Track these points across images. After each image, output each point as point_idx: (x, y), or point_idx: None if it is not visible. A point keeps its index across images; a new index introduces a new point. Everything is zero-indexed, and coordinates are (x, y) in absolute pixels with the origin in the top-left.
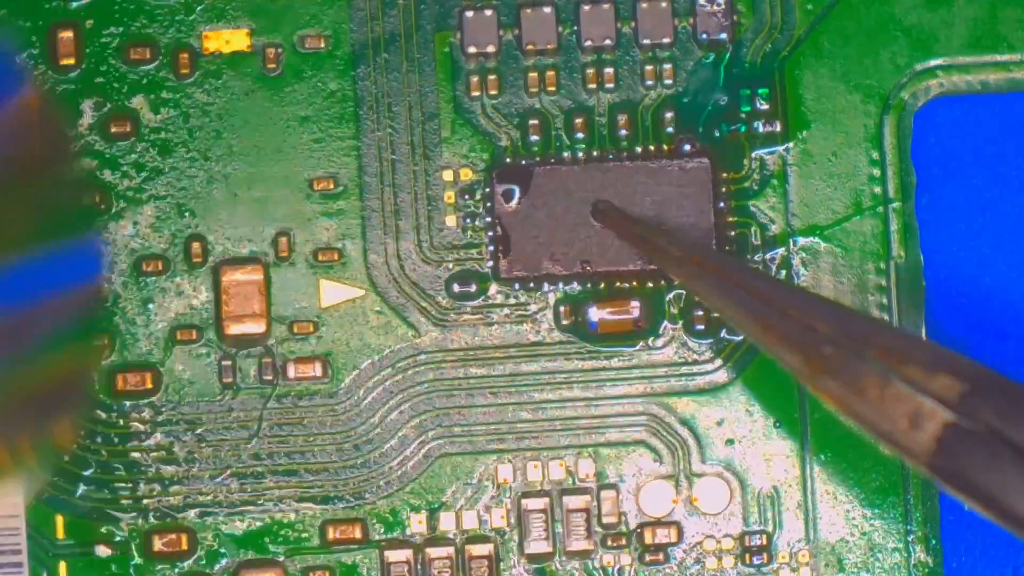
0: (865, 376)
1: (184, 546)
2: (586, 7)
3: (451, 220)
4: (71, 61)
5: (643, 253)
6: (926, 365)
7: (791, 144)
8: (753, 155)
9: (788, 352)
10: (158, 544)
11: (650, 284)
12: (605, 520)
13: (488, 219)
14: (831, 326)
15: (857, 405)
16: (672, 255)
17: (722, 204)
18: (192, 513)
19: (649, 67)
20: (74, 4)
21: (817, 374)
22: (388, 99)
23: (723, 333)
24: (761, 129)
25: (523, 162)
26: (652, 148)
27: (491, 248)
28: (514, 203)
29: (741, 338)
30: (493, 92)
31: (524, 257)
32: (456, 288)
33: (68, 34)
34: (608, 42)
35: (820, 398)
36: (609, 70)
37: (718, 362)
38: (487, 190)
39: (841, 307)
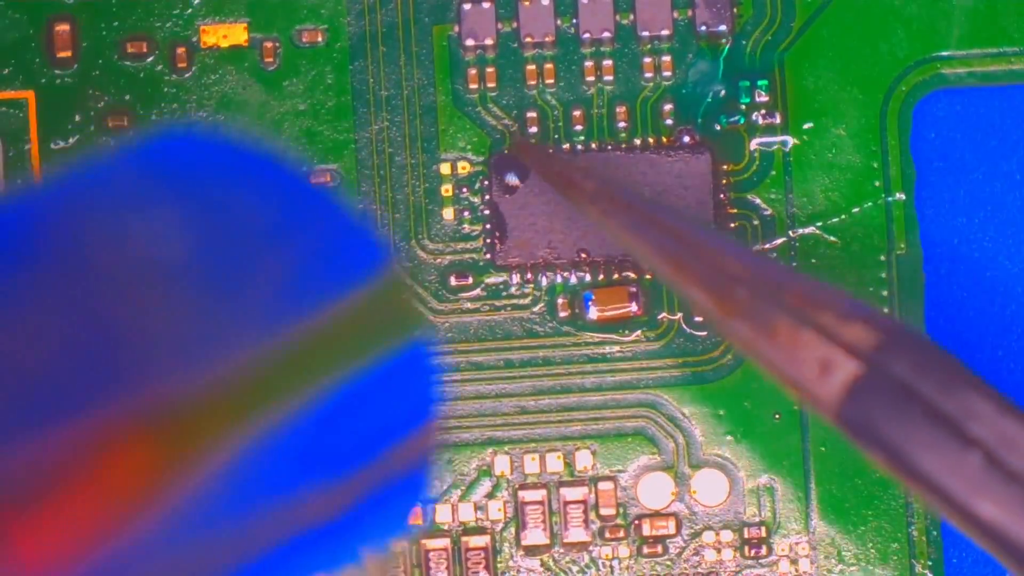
0: (777, 320)
1: None
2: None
3: (448, 213)
4: (68, 55)
5: (558, 189)
6: (841, 313)
7: (791, 136)
8: (752, 143)
9: (700, 292)
10: None
11: (649, 274)
12: (603, 512)
13: (487, 211)
14: (746, 269)
15: (767, 349)
16: (586, 189)
17: (721, 195)
18: None
19: (648, 59)
20: None
21: (728, 316)
22: (386, 92)
23: None
24: (761, 121)
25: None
26: (651, 140)
27: (488, 240)
28: (514, 180)
29: None
30: (491, 85)
31: (521, 244)
32: (453, 280)
33: (65, 27)
34: (607, 34)
35: (730, 341)
36: (608, 62)
37: (717, 353)
38: (485, 183)
39: (756, 251)
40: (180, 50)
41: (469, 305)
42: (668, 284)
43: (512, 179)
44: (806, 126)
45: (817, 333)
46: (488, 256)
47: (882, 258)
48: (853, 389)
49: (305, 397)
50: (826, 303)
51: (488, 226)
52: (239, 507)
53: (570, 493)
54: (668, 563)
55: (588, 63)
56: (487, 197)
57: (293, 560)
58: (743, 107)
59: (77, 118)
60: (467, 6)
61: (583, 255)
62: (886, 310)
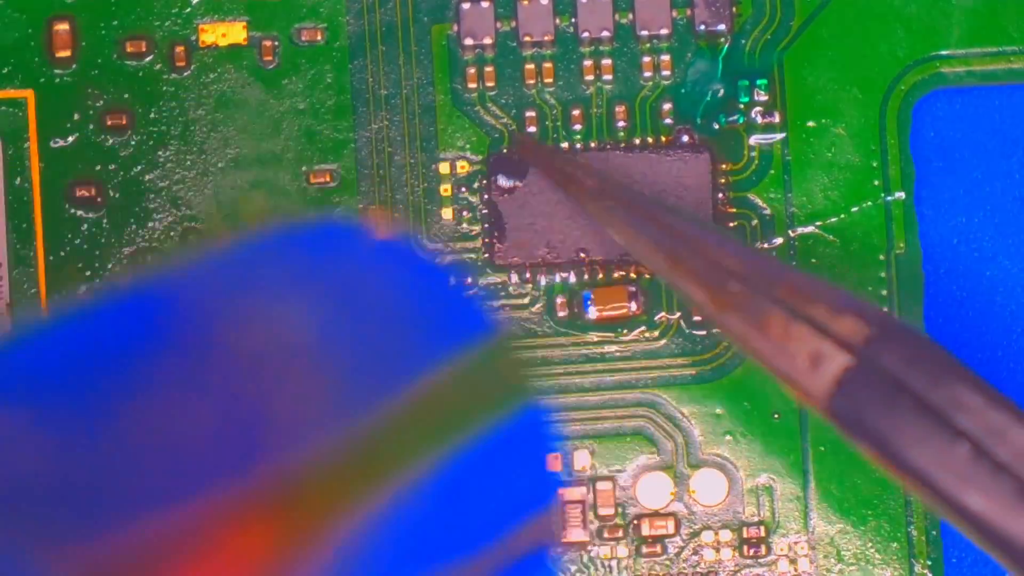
0: (769, 314)
1: None
2: None
3: (447, 212)
4: (67, 54)
5: (558, 185)
6: (832, 306)
7: (790, 135)
8: (751, 140)
9: (694, 286)
10: None
11: (647, 271)
12: (601, 512)
13: (484, 211)
14: (740, 263)
15: (759, 343)
16: (586, 186)
17: (721, 195)
18: None
19: (647, 58)
20: None
21: (721, 310)
22: (385, 91)
23: None
24: (760, 120)
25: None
26: (650, 139)
27: (486, 240)
28: (507, 182)
29: None
30: (490, 84)
31: (519, 244)
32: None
33: (64, 27)
34: (606, 33)
35: (724, 334)
36: (607, 61)
37: (716, 353)
38: (484, 182)
39: (752, 247)
40: (179, 49)
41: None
42: (664, 279)
43: (505, 181)
44: (809, 124)
45: (808, 326)
46: (487, 255)
47: (882, 258)
48: (843, 381)
49: (422, 471)
50: (818, 296)
51: (487, 226)
52: None
53: (569, 493)
54: (667, 563)
55: (587, 62)
56: (486, 197)
57: None
58: (742, 106)
59: (76, 117)
60: (466, 5)
61: (582, 255)
62: (885, 309)
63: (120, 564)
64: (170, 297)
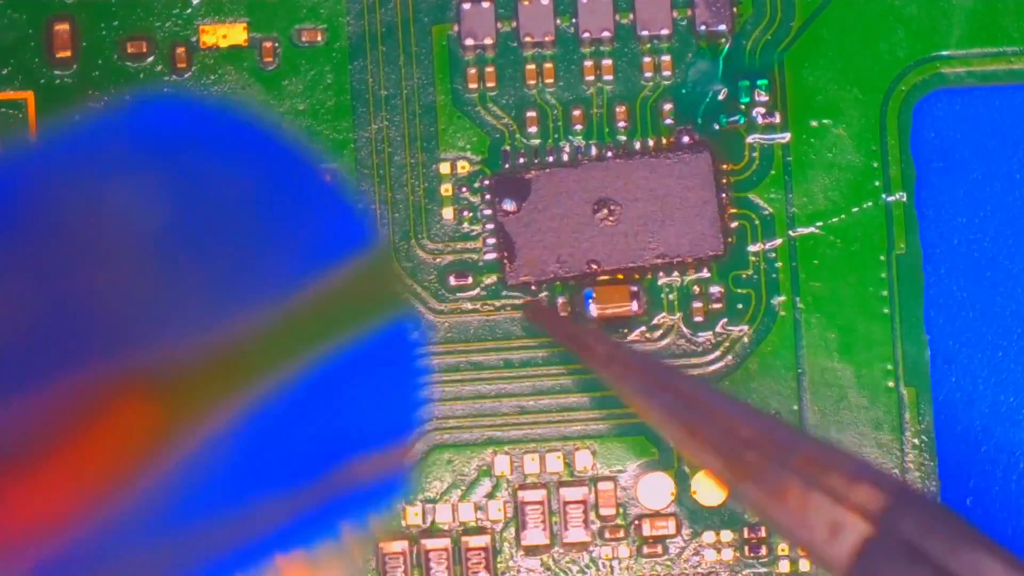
0: (787, 484)
1: None
2: None
3: (448, 212)
4: (67, 55)
5: (570, 349)
6: (848, 475)
7: (790, 135)
8: (751, 140)
9: (711, 456)
10: None
11: (649, 275)
12: (603, 512)
13: (486, 211)
14: (754, 431)
15: (778, 513)
16: (599, 353)
17: (722, 195)
18: None
19: (648, 59)
20: None
21: (739, 480)
22: (385, 92)
23: (722, 325)
24: (760, 120)
25: (521, 160)
26: (651, 140)
27: (489, 241)
28: (511, 205)
29: (741, 330)
30: (491, 84)
31: (530, 262)
32: (452, 280)
33: (64, 27)
34: (606, 34)
35: (742, 503)
36: (607, 62)
37: (717, 354)
38: (486, 197)
39: (765, 413)
40: (180, 50)
41: (468, 305)
42: (679, 447)
43: (509, 204)
44: (805, 125)
45: (826, 495)
46: (488, 258)
47: (882, 258)
48: (863, 551)
49: (288, 371)
50: (834, 465)
51: (495, 239)
52: (223, 481)
53: (570, 493)
54: (668, 563)
55: (588, 63)
56: (489, 212)
57: (274, 535)
58: (743, 107)
59: (76, 118)
60: (466, 6)
61: (594, 267)
62: (885, 310)
63: None
64: (23, 176)
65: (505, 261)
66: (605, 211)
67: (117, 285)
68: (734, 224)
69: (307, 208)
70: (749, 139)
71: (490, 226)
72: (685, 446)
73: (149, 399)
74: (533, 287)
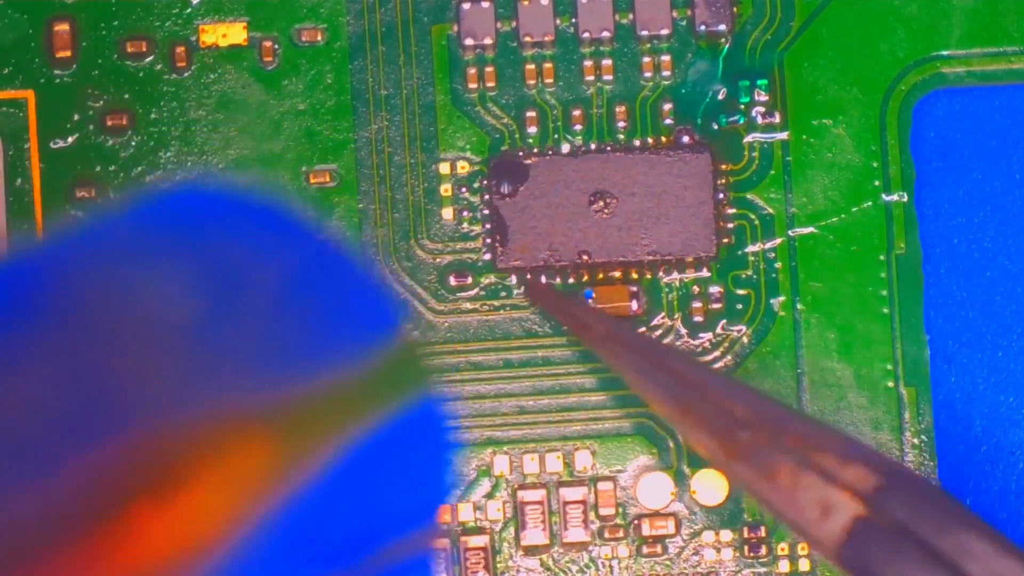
0: (779, 463)
1: None
2: None
3: (448, 213)
4: (67, 54)
5: (569, 327)
6: (840, 455)
7: (790, 135)
8: (749, 140)
9: (704, 435)
10: None
11: (648, 275)
12: (602, 512)
13: (485, 211)
14: (749, 411)
15: (769, 492)
16: (597, 331)
17: (721, 195)
18: None
19: (647, 59)
20: None
21: (731, 458)
22: (385, 92)
23: (722, 325)
24: (760, 120)
25: (520, 153)
26: (651, 140)
27: (488, 240)
28: (511, 188)
29: (740, 330)
30: (491, 84)
31: (521, 247)
32: (452, 280)
33: (64, 27)
34: (606, 34)
35: (733, 482)
36: (607, 62)
37: (717, 354)
38: (484, 182)
39: (760, 393)
40: (179, 49)
41: (468, 305)
42: (674, 425)
43: (506, 187)
44: (805, 125)
45: (817, 475)
46: (488, 256)
47: (882, 258)
48: (853, 531)
49: (315, 459)
50: (826, 445)
51: (488, 226)
52: (258, 566)
53: (569, 493)
54: (668, 563)
55: (587, 63)
56: (486, 197)
57: None
58: (742, 107)
59: (77, 118)
60: (466, 5)
61: (584, 257)
62: (885, 310)
63: None
64: (39, 271)
65: (497, 244)
66: (601, 203)
67: (133, 380)
68: (732, 224)
69: (334, 293)
70: (747, 139)
71: (489, 226)
72: (679, 425)
73: (156, 497)
74: (528, 275)
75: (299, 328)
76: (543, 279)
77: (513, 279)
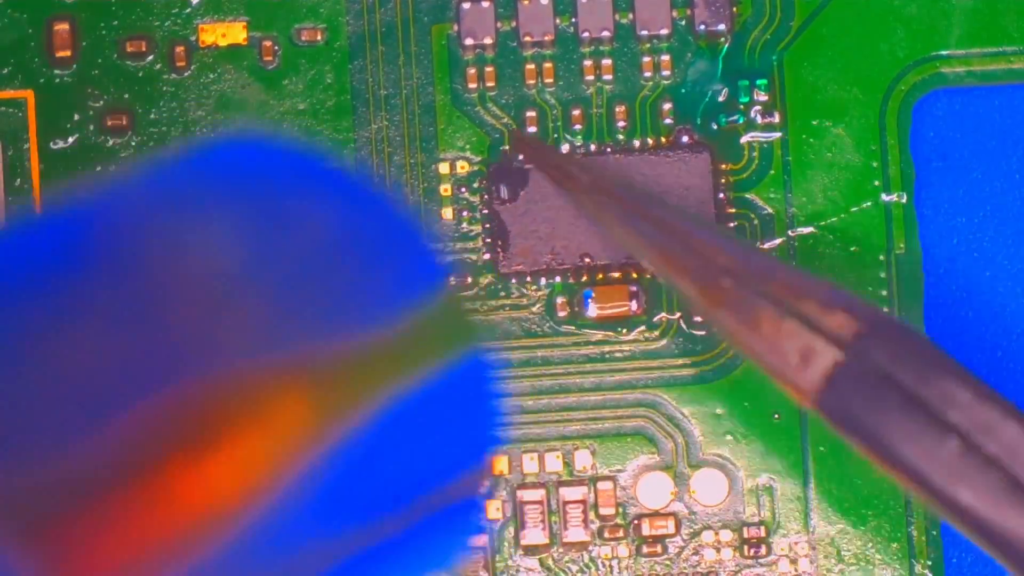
0: (760, 310)
1: None
2: None
3: (447, 212)
4: (67, 54)
5: (554, 181)
6: (823, 302)
7: (790, 135)
8: (747, 138)
9: (686, 282)
10: None
11: (648, 274)
12: (602, 512)
13: (485, 211)
14: (732, 259)
15: (750, 339)
16: (581, 182)
17: (721, 195)
18: None
19: (647, 58)
20: None
21: (713, 306)
22: (385, 92)
23: None
24: (760, 120)
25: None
26: (650, 140)
27: (488, 240)
28: (511, 192)
29: None
30: (490, 84)
31: (523, 251)
32: (452, 281)
33: (64, 27)
34: (606, 33)
35: (715, 330)
36: (607, 61)
37: (717, 353)
38: (484, 182)
39: (744, 242)
40: (179, 49)
41: (468, 305)
42: (657, 274)
43: (506, 192)
44: (805, 125)
45: (799, 322)
46: (488, 257)
47: (881, 258)
48: (833, 377)
49: (362, 411)
50: (809, 292)
51: (488, 226)
52: (304, 515)
53: (569, 493)
54: (667, 563)
55: (587, 62)
56: (486, 197)
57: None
58: (742, 106)
59: (76, 117)
60: (466, 5)
61: (587, 259)
62: (875, 304)
63: (30, 493)
64: (91, 219)
65: (499, 250)
66: None
67: (187, 331)
68: (733, 224)
69: (381, 246)
70: (743, 139)
71: (488, 224)
72: (661, 272)
73: (208, 446)
74: (528, 278)
75: (344, 281)
76: (542, 282)
77: (513, 280)
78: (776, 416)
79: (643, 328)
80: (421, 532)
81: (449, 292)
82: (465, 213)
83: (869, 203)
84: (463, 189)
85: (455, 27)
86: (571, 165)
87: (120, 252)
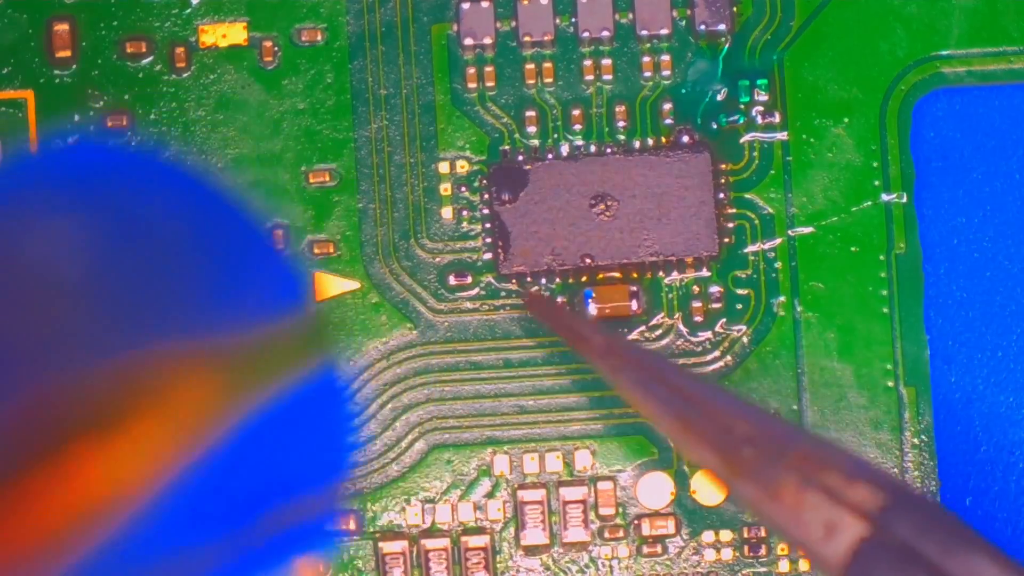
0: (782, 481)
1: None
2: None
3: (447, 212)
4: (67, 54)
5: (569, 342)
6: (845, 474)
7: (790, 135)
8: (746, 139)
9: (707, 452)
10: None
11: (648, 274)
12: (602, 512)
13: (485, 211)
14: (752, 428)
15: (774, 511)
16: (596, 345)
17: (721, 195)
18: None
19: (647, 58)
20: None
21: (735, 476)
22: (385, 91)
23: (721, 324)
24: (760, 120)
25: (520, 157)
26: (650, 140)
27: (488, 240)
28: (510, 195)
29: (740, 330)
30: (490, 84)
31: (524, 252)
32: (452, 280)
33: (64, 27)
34: (606, 33)
35: (738, 501)
36: (607, 61)
37: (716, 353)
38: (483, 182)
39: (763, 410)
40: (179, 50)
41: (468, 304)
42: (674, 441)
43: (506, 194)
44: (805, 125)
45: (822, 494)
46: (488, 256)
47: (882, 258)
48: (858, 551)
49: (212, 421)
50: (831, 463)
51: (488, 225)
52: (166, 522)
53: (569, 493)
54: (667, 563)
55: (587, 62)
56: (486, 197)
57: None
58: (742, 106)
59: (76, 118)
60: (466, 5)
61: (587, 260)
62: (885, 310)
63: None
64: None
65: (499, 251)
66: (602, 206)
67: (23, 330)
68: (731, 224)
69: (240, 258)
70: (743, 139)
71: (489, 225)
72: (681, 441)
73: (48, 460)
74: (529, 279)
75: (196, 286)
76: (543, 283)
77: (515, 283)
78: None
79: (643, 328)
80: (271, 549)
81: (309, 302)
82: (465, 213)
83: (869, 203)
84: (463, 189)
85: (455, 27)
86: (584, 327)
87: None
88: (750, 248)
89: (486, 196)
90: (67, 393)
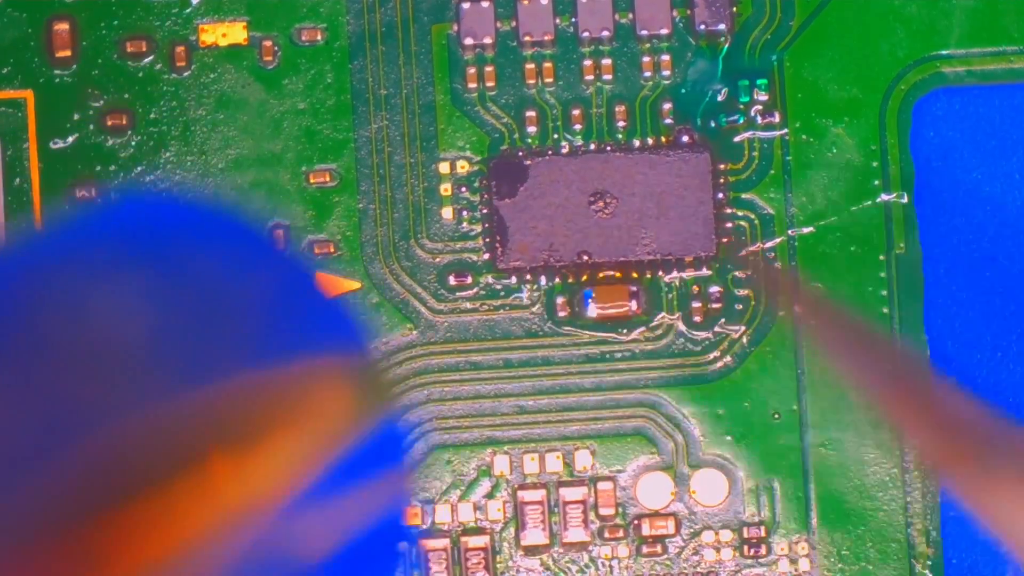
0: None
1: None
2: None
3: (447, 212)
4: (67, 54)
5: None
6: None
7: (789, 135)
8: (747, 137)
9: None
10: None
11: (648, 274)
12: (602, 512)
13: (485, 211)
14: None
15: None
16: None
17: (720, 195)
18: None
19: (647, 58)
20: None
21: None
22: (385, 91)
23: (721, 324)
24: (760, 120)
25: (519, 153)
26: (650, 140)
27: (487, 239)
28: (507, 190)
29: (740, 330)
30: (490, 84)
31: (522, 247)
32: (452, 280)
33: (64, 27)
34: (606, 33)
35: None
36: (607, 61)
37: (717, 353)
38: (484, 182)
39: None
40: (179, 49)
41: (468, 305)
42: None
43: (504, 189)
44: (805, 125)
45: None
46: (488, 256)
47: (882, 258)
48: None
49: (271, 478)
50: None
51: (487, 225)
52: None
53: (569, 493)
54: (667, 563)
55: (587, 62)
56: (486, 196)
57: None
58: (742, 106)
59: (76, 117)
60: (466, 5)
61: (585, 257)
62: (885, 310)
63: None
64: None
65: (497, 245)
66: (601, 203)
67: (92, 398)
68: (729, 224)
69: (274, 290)
70: (738, 137)
71: (489, 226)
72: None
73: (111, 521)
74: (527, 275)
75: (247, 340)
76: (542, 281)
77: (513, 279)
78: (776, 416)
79: (643, 328)
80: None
81: (364, 355)
82: (465, 213)
83: (869, 203)
84: (463, 189)
85: (455, 27)
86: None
87: (15, 323)
88: (750, 248)
89: (485, 196)
90: (205, 412)
